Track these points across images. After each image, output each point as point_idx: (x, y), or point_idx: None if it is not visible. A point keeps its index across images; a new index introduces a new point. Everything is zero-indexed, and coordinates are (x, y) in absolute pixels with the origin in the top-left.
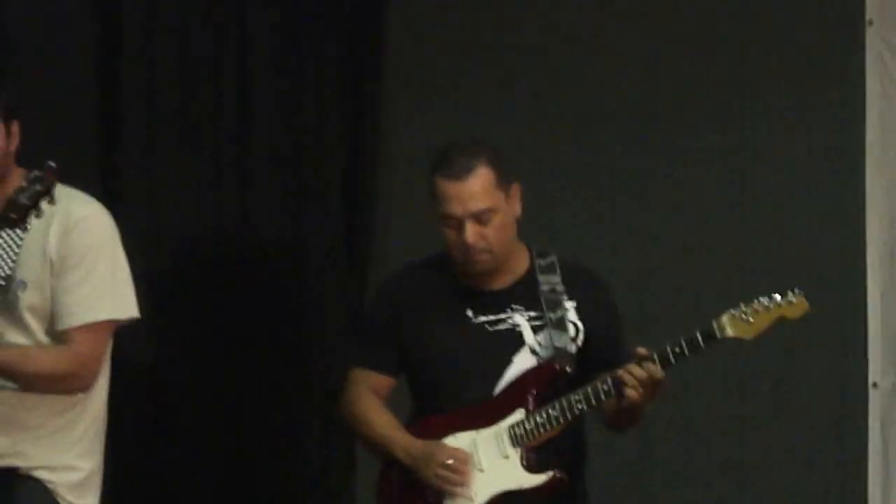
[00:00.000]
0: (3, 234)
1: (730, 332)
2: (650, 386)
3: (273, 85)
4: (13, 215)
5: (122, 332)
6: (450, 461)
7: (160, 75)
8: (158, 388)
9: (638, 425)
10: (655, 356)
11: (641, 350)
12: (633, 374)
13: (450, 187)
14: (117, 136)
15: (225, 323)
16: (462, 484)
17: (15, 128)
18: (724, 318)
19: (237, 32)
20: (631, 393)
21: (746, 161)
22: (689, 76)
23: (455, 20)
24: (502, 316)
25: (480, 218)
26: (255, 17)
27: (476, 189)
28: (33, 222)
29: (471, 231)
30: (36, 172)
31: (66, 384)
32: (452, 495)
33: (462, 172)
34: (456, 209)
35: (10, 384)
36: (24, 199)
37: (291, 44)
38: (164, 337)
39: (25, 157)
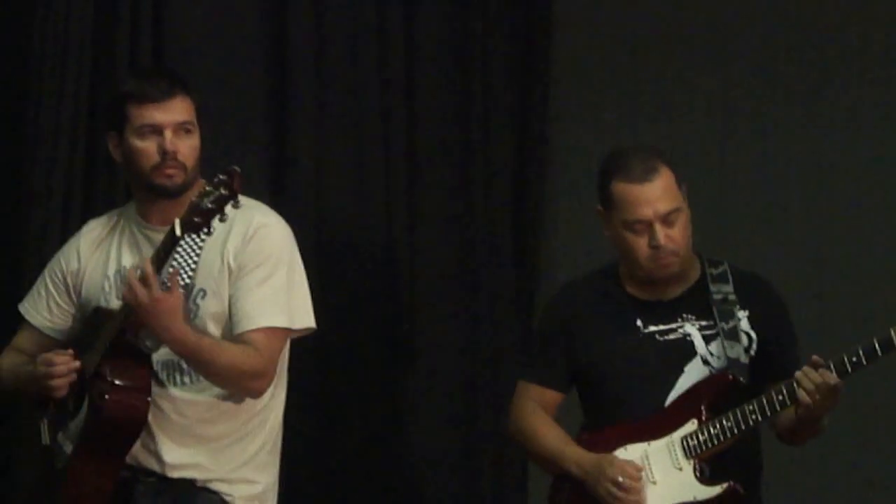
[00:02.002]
0: (184, 242)
1: None
2: (826, 392)
3: (441, 84)
4: (197, 219)
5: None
6: (621, 479)
7: (328, 81)
8: (325, 396)
9: (817, 438)
10: (832, 364)
11: (816, 358)
12: (810, 378)
13: (636, 190)
14: (285, 142)
15: (391, 328)
16: (635, 502)
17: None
18: None
19: (405, 35)
20: (804, 397)
21: None
22: (865, 75)
23: (623, 19)
24: (673, 326)
25: (668, 219)
26: (422, 16)
27: (662, 190)
28: (216, 227)
29: (661, 233)
30: (220, 176)
31: (248, 383)
32: None
33: (648, 174)
34: (645, 212)
35: (187, 401)
36: (208, 203)
37: (459, 44)
38: (330, 340)
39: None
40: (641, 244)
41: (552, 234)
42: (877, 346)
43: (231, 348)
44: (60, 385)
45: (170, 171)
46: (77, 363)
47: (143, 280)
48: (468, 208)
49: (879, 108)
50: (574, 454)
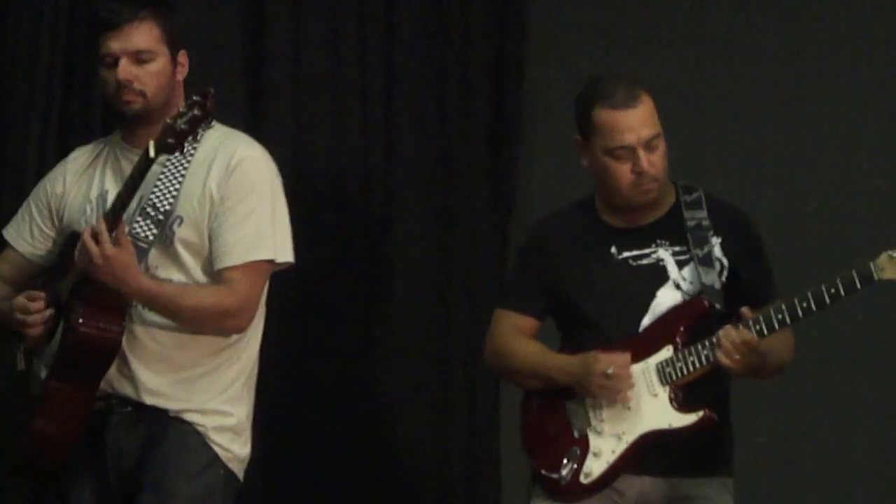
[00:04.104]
0: (166, 169)
1: (889, 273)
2: (745, 353)
3: (418, 20)
4: (171, 140)
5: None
6: (610, 370)
7: (305, 15)
8: (302, 328)
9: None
10: (760, 317)
11: (745, 310)
12: (730, 339)
13: (620, 117)
14: (262, 74)
15: (367, 262)
16: (627, 389)
17: (182, 58)
18: (883, 259)
19: None
20: (723, 359)
21: None
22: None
23: None
24: (646, 251)
25: (650, 145)
26: None
27: (645, 115)
28: (196, 159)
29: (645, 159)
30: (194, 97)
31: (224, 322)
32: (616, 401)
33: (631, 100)
34: (629, 138)
35: (161, 326)
36: (181, 124)
37: None
38: (306, 273)
39: None
40: (624, 171)
41: (528, 169)
42: (855, 278)
43: (196, 291)
44: (36, 332)
45: (126, 99)
46: (50, 311)
47: (95, 237)
48: (445, 143)
49: (857, 37)
50: (556, 360)
